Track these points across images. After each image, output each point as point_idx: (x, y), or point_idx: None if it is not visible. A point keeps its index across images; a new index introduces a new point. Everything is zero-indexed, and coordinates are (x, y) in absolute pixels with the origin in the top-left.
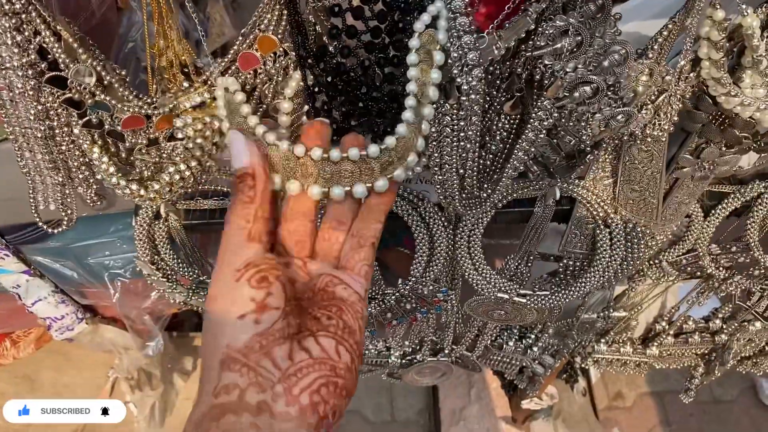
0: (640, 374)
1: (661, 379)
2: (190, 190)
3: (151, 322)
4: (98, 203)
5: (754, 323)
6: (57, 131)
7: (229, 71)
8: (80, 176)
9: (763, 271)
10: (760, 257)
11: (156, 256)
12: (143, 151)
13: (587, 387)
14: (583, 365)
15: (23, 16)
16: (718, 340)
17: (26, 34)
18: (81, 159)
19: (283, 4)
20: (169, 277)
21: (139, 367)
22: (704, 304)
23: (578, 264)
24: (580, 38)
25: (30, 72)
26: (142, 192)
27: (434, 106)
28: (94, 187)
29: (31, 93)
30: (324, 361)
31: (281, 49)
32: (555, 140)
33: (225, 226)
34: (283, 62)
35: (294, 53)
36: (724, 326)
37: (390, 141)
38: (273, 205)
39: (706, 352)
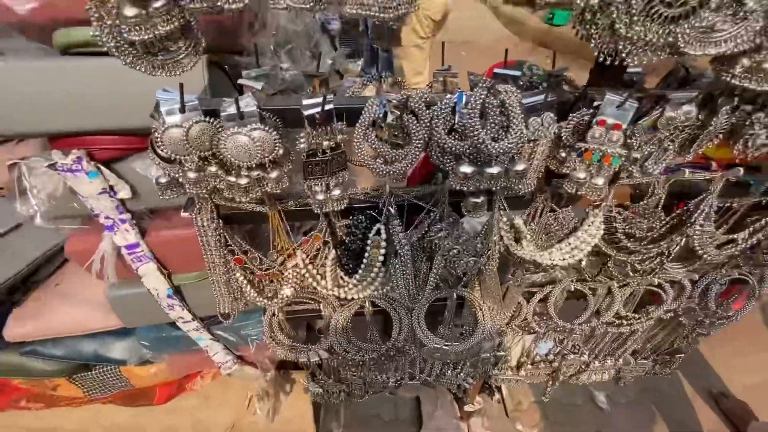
0: (531, 387)
1: (539, 393)
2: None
3: (269, 363)
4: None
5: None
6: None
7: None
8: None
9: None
10: None
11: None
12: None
13: (501, 397)
14: (496, 384)
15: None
16: (554, 366)
17: None
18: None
19: None
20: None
21: (263, 387)
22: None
23: (469, 328)
24: None
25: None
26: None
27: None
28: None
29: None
30: None
31: None
32: None
33: None
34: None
35: None
36: (555, 358)
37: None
38: None
39: (551, 372)
